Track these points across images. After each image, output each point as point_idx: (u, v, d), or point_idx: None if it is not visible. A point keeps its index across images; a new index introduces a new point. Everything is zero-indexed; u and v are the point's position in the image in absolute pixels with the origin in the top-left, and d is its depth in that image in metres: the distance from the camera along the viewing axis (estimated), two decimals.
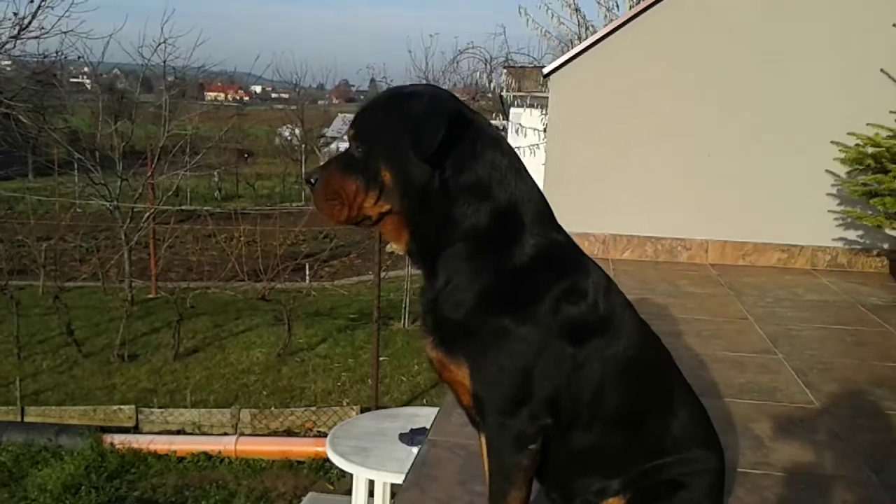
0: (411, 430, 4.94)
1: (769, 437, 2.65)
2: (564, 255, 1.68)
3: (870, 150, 4.69)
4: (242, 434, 7.68)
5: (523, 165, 1.68)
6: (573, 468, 1.71)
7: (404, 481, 2.31)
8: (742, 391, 3.08)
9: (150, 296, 12.60)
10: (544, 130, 10.48)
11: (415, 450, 4.79)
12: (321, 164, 1.76)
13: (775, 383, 3.19)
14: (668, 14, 5.32)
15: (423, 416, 5.35)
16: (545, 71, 5.60)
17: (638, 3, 8.83)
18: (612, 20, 9.37)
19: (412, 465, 2.42)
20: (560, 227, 1.71)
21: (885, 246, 5.29)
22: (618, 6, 9.65)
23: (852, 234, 5.34)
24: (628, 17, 5.45)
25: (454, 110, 1.60)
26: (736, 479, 2.29)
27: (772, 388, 3.13)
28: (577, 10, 9.64)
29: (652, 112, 5.43)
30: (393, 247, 12.34)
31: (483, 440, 1.76)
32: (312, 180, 1.67)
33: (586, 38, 9.24)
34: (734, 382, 3.17)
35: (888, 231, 4.98)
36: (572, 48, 6.12)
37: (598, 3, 9.48)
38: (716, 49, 5.34)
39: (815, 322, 4.18)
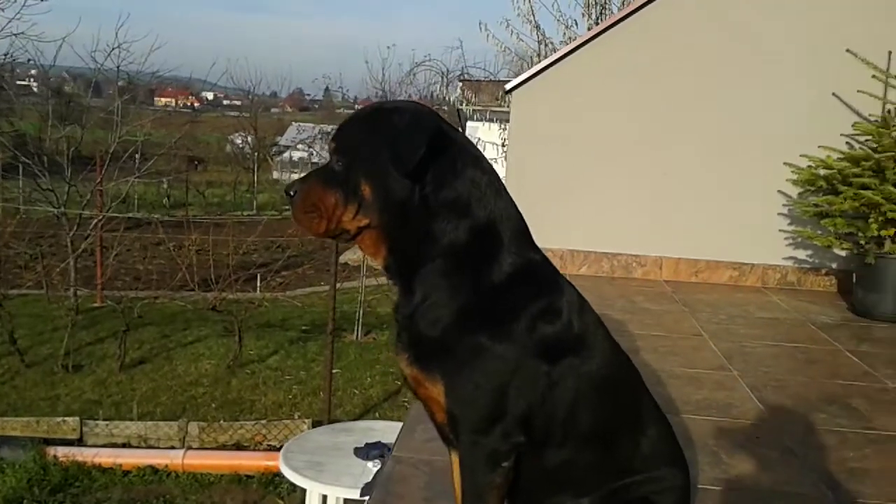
0: (366, 444, 4.91)
1: (727, 453, 2.69)
2: (541, 273, 1.69)
3: (822, 171, 4.81)
4: (190, 447, 7.52)
5: (502, 184, 1.69)
6: (545, 486, 1.71)
7: (370, 499, 2.29)
8: (699, 407, 3.13)
9: (96, 304, 12.32)
10: (503, 145, 10.56)
11: (370, 464, 4.77)
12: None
13: (731, 400, 3.25)
14: (627, 36, 5.40)
15: (378, 430, 5.32)
16: (507, 87, 5.65)
17: (598, 22, 8.98)
18: (570, 38, 9.51)
19: (377, 481, 2.40)
20: (537, 247, 1.72)
21: (834, 265, 5.42)
22: (577, 24, 9.79)
23: (802, 254, 5.47)
24: (589, 37, 5.53)
25: (436, 127, 1.61)
26: (698, 495, 2.32)
27: (728, 405, 3.18)
28: (537, 26, 9.75)
29: (609, 131, 5.51)
30: (346, 257, 12.20)
31: (454, 458, 1.76)
32: (291, 192, 1.66)
33: (545, 54, 9.37)
34: (692, 399, 3.21)
35: (837, 251, 5.11)
36: (531, 64, 6.19)
37: (558, 20, 9.58)
38: (672, 71, 5.44)
39: (768, 339, 4.27)
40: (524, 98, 5.56)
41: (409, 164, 1.54)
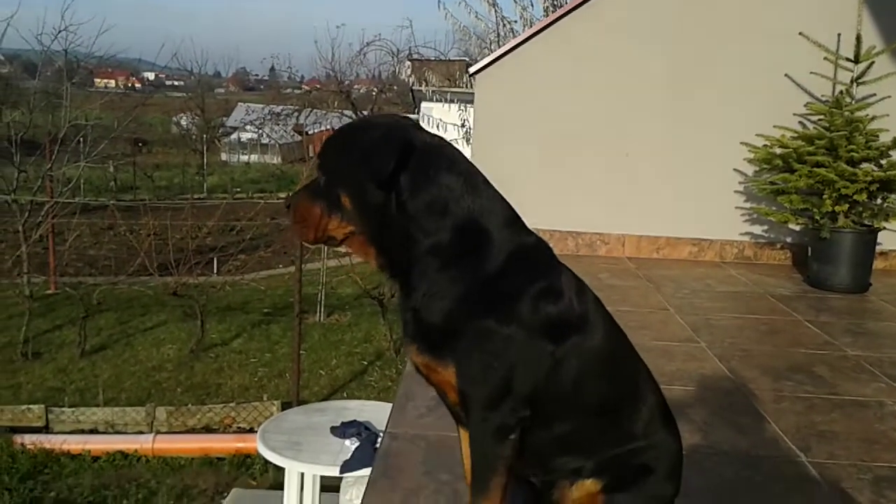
0: (342, 423, 4.98)
1: (705, 421, 2.85)
2: (536, 256, 1.80)
3: (778, 150, 5.00)
4: (159, 432, 7.53)
5: (481, 179, 1.79)
6: (552, 451, 1.82)
7: (371, 473, 2.39)
8: (674, 378, 3.28)
9: (50, 292, 12.15)
10: (462, 125, 10.61)
11: (347, 442, 4.86)
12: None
13: (702, 370, 3.41)
14: (587, 19, 5.51)
15: (353, 409, 5.40)
16: (471, 70, 5.73)
17: (554, 4, 9.08)
18: (527, 18, 9.60)
19: (378, 456, 2.50)
20: (529, 231, 1.82)
21: (788, 239, 5.65)
22: (532, 5, 9.81)
23: (758, 229, 5.68)
24: (551, 20, 5.63)
25: (405, 139, 1.72)
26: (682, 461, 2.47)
27: (700, 375, 3.34)
28: (495, 4, 9.73)
29: (573, 112, 5.63)
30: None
31: (463, 433, 1.88)
32: (288, 205, 1.82)
33: (504, 34, 9.44)
34: (665, 370, 3.36)
35: (792, 226, 5.32)
36: (489, 44, 6.26)
37: (514, 1, 9.59)
38: (632, 53, 5.57)
39: (731, 312, 4.46)
40: (488, 81, 5.65)
41: (381, 175, 1.68)
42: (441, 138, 1.85)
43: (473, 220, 1.73)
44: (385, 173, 1.68)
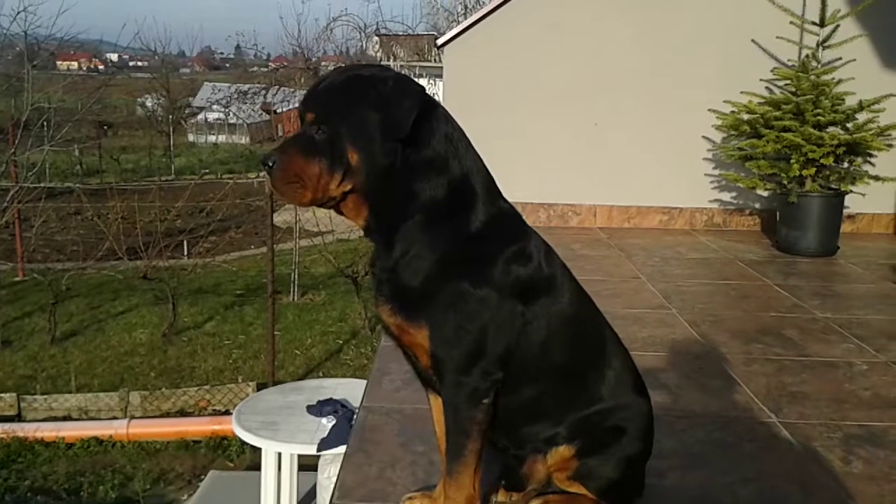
0: (319, 401, 4.97)
1: (676, 385, 2.87)
2: (510, 221, 1.80)
3: (745, 116, 5.02)
4: (133, 417, 7.48)
5: (468, 138, 1.78)
6: (523, 417, 1.83)
7: (347, 447, 2.38)
8: (646, 344, 3.30)
9: (18, 279, 11.99)
10: None
11: (324, 420, 4.84)
12: (277, 145, 1.77)
13: (673, 335, 3.43)
14: None
15: (329, 387, 5.39)
16: (439, 42, 5.68)
17: None
18: None
19: (354, 431, 2.49)
20: (503, 196, 1.82)
21: (757, 206, 5.69)
22: None
23: (727, 196, 5.72)
24: None
25: (421, 91, 1.67)
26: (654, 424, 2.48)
27: (671, 341, 3.37)
28: None
29: (542, 83, 5.61)
30: (276, 219, 12.06)
31: (434, 401, 1.88)
32: (270, 163, 1.65)
33: (471, 5, 9.38)
34: (637, 337, 3.38)
35: (760, 192, 5.36)
36: (457, 16, 6.22)
37: None
38: (599, 22, 5.55)
39: (701, 278, 4.49)
40: (456, 52, 5.60)
41: (402, 129, 1.60)
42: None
43: (466, 178, 1.72)
44: (406, 128, 1.60)
